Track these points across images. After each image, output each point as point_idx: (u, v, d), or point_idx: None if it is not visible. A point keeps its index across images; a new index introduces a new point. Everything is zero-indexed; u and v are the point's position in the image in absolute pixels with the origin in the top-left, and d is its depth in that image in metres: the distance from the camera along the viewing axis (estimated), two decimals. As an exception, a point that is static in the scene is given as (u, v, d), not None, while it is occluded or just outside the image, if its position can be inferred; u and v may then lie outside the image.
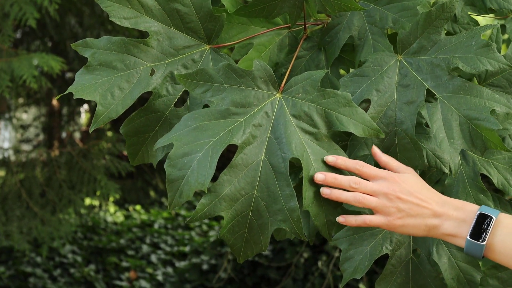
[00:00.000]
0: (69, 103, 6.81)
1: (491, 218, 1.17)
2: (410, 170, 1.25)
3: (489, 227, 1.16)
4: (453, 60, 1.28)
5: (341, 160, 1.24)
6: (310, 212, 1.25)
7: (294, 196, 1.24)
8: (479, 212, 1.18)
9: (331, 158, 1.24)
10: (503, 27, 1.74)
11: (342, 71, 1.54)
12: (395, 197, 1.20)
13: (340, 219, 1.24)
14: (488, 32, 1.42)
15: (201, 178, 1.21)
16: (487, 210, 1.18)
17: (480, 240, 1.16)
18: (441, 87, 1.29)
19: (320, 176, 1.23)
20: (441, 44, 1.30)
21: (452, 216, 1.19)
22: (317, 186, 1.26)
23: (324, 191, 1.23)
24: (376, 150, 1.28)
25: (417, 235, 1.22)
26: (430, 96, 1.30)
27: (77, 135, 8.05)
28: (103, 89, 1.31)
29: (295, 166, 1.37)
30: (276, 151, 1.26)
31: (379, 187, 1.21)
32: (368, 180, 1.23)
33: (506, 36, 2.39)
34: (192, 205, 7.98)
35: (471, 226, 1.17)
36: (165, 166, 1.22)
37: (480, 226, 1.17)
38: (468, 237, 1.17)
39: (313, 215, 1.26)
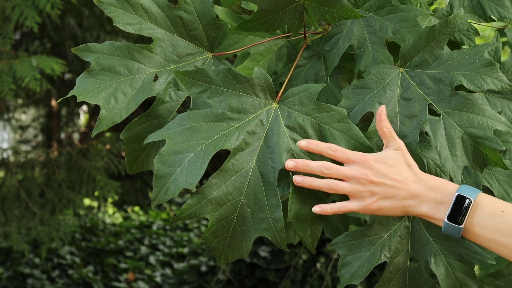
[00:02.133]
0: (68, 104, 6.81)
1: (470, 200, 1.15)
2: (399, 144, 1.22)
3: (467, 209, 1.15)
4: (456, 76, 1.29)
5: (313, 144, 1.23)
6: (294, 224, 1.26)
7: (280, 206, 1.24)
8: (457, 194, 1.16)
9: (303, 143, 1.23)
10: (503, 33, 1.76)
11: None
12: (367, 181, 1.18)
13: (316, 208, 1.22)
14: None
15: (190, 178, 1.21)
16: (466, 191, 1.16)
17: (458, 223, 1.15)
18: (444, 102, 1.30)
19: (291, 163, 1.22)
20: (443, 59, 1.31)
21: (430, 197, 1.18)
22: (303, 199, 1.26)
23: (296, 179, 1.22)
24: (381, 110, 1.24)
25: (394, 215, 1.21)
26: (432, 110, 1.30)
27: (76, 136, 8.05)
28: (107, 93, 1.31)
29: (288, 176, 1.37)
30: (267, 160, 1.26)
31: (351, 172, 1.19)
32: (342, 164, 1.22)
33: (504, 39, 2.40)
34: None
35: (449, 209, 1.16)
36: (154, 161, 1.22)
37: (458, 208, 1.15)
38: (445, 220, 1.16)
39: (298, 227, 1.26)
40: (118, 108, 1.32)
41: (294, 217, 1.26)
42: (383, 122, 1.23)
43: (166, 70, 1.36)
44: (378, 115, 1.24)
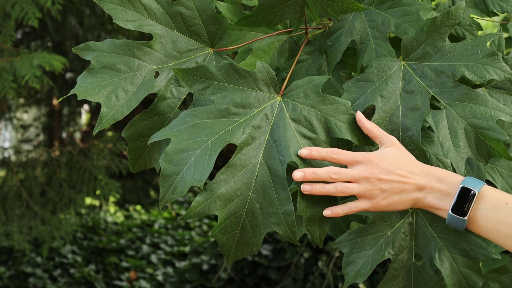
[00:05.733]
0: (69, 104, 6.81)
1: (474, 192, 1.16)
2: (392, 141, 1.24)
3: (471, 201, 1.16)
4: (458, 68, 1.28)
5: (315, 151, 1.23)
6: (303, 217, 1.26)
7: (290, 200, 1.24)
8: (461, 186, 1.17)
9: (304, 151, 1.24)
10: (505, 28, 1.75)
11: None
12: (376, 179, 1.19)
13: (327, 212, 1.24)
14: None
15: (198, 175, 1.20)
16: (470, 183, 1.17)
17: (462, 214, 1.16)
18: (446, 94, 1.29)
19: (299, 173, 1.22)
20: (445, 51, 1.31)
21: (435, 188, 1.19)
22: (311, 195, 1.25)
23: (305, 187, 1.22)
24: (360, 116, 1.27)
25: (403, 209, 1.22)
26: (435, 102, 1.30)
27: (77, 135, 8.05)
28: (108, 91, 1.30)
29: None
30: (274, 154, 1.26)
31: (359, 172, 1.20)
32: (346, 167, 1.22)
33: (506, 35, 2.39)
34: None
35: (454, 200, 1.17)
36: (160, 160, 1.21)
37: (463, 200, 1.17)
38: (449, 211, 1.17)
39: (306, 220, 1.26)
40: (119, 105, 1.31)
41: (303, 210, 1.25)
42: (366, 125, 1.26)
43: (167, 66, 1.35)
44: (358, 121, 1.26)
